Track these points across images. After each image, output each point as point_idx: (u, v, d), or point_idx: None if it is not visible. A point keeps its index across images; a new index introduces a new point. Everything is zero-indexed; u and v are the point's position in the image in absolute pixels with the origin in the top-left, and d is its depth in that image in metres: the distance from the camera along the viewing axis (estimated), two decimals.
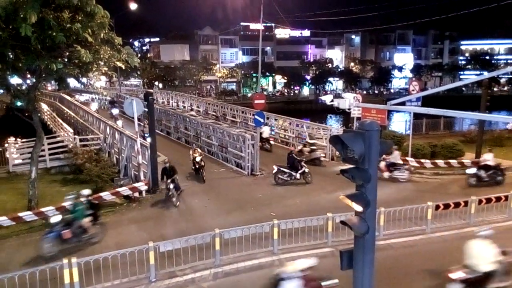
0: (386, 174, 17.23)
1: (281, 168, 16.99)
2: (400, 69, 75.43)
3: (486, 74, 33.56)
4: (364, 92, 71.05)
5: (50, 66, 11.42)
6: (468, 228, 12.29)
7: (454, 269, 8.24)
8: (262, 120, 19.11)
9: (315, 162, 19.77)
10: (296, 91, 72.37)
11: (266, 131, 23.32)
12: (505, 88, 75.71)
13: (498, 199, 12.84)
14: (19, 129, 22.87)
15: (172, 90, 50.92)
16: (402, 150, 20.60)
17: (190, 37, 72.75)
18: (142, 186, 15.13)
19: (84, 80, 14.25)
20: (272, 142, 23.44)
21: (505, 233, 12.21)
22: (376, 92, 74.65)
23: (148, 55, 74.99)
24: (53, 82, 15.72)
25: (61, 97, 38.44)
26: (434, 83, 78.28)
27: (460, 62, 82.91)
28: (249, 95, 63.18)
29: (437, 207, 12.07)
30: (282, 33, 69.15)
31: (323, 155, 20.68)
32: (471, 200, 12.37)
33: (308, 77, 72.04)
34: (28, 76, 13.82)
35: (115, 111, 30.55)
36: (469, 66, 78.00)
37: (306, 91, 73.37)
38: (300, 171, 16.93)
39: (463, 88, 69.14)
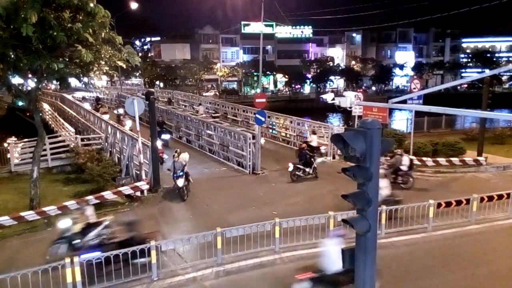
0: (262, 140, 20.92)
1: (297, 165, 17.21)
2: (402, 67, 75.25)
3: (487, 72, 33.50)
4: (368, 90, 71.15)
5: (51, 66, 11.43)
6: (470, 226, 12.32)
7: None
8: (263, 119, 19.09)
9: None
10: (297, 90, 72.29)
11: (315, 140, 20.53)
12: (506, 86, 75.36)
13: (500, 197, 12.83)
14: (20, 128, 22.94)
15: (173, 89, 50.94)
16: (403, 148, 20.60)
17: (191, 36, 72.64)
18: (143, 185, 15.14)
19: (85, 79, 14.25)
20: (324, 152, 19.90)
21: (507, 230, 12.24)
22: (378, 89, 74.62)
23: (149, 55, 75.02)
24: (54, 81, 15.72)
25: (62, 96, 38.40)
26: (435, 81, 78.10)
27: (461, 60, 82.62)
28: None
29: (439, 205, 12.07)
30: (283, 31, 69.06)
31: None
32: (473, 198, 12.36)
33: (309, 76, 71.97)
34: (30, 76, 13.83)
35: (166, 136, 23.11)
36: (471, 64, 77.73)
37: (307, 89, 73.33)
38: (312, 166, 17.39)
39: (482, 85, 68.67)
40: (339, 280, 7.66)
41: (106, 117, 24.08)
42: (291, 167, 17.15)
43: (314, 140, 20.51)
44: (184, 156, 15.34)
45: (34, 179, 13.72)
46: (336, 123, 43.73)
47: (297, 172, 17.20)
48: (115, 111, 32.82)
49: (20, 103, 14.86)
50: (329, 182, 16.84)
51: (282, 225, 10.72)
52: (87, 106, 31.04)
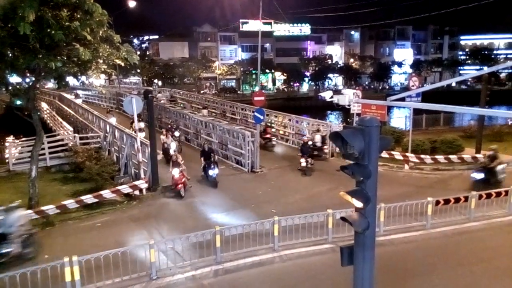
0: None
1: (307, 160, 17.88)
2: (400, 64, 75.25)
3: (486, 69, 33.54)
4: (367, 87, 71.08)
5: (49, 65, 11.41)
6: (468, 224, 12.35)
7: None
8: (261, 117, 19.09)
9: None
10: (296, 88, 72.30)
11: (205, 113, 25.08)
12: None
13: (498, 194, 12.85)
14: (19, 128, 22.86)
15: (172, 88, 50.82)
16: (402, 146, 20.65)
17: (189, 34, 72.56)
18: (142, 184, 15.13)
19: (83, 78, 14.24)
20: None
21: (506, 227, 12.27)
22: (377, 87, 74.68)
23: (147, 53, 74.83)
24: (52, 80, 15.68)
25: (61, 95, 38.29)
26: (434, 78, 78.16)
27: (460, 57, 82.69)
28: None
29: (437, 202, 12.09)
30: (282, 29, 69.05)
31: None
32: (471, 195, 12.39)
33: (307, 74, 71.94)
34: (27, 74, 13.80)
35: (213, 172, 16.51)
36: (469, 61, 77.81)
37: (305, 87, 73.34)
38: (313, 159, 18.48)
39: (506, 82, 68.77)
40: None
41: (141, 135, 18.61)
42: (303, 162, 17.78)
43: (204, 114, 26.87)
44: (16, 216, 10.58)
45: (32, 178, 13.71)
46: (335, 121, 43.78)
47: (309, 165, 17.93)
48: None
49: (18, 102, 14.83)
50: (328, 180, 16.86)
51: (281, 223, 10.73)
52: (112, 120, 22.94)
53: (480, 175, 15.42)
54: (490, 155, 15.85)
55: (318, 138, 20.42)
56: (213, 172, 16.34)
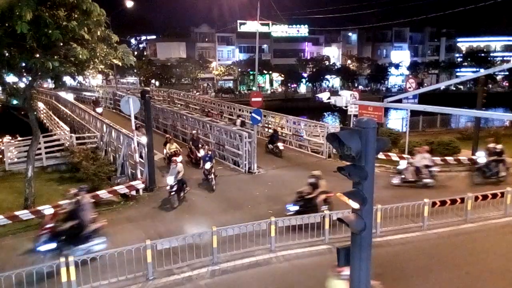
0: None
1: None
2: (397, 66, 75.44)
3: (482, 71, 33.70)
4: (367, 88, 71.10)
5: (46, 64, 11.37)
6: (465, 225, 12.40)
7: None
8: (259, 118, 19.10)
9: None
10: (293, 89, 72.34)
11: (238, 122, 24.89)
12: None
13: (494, 195, 12.90)
14: (15, 127, 22.81)
15: (169, 88, 50.80)
16: (399, 147, 20.70)
17: (187, 34, 72.47)
18: (139, 184, 15.11)
19: (80, 78, 14.19)
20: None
21: (502, 229, 12.33)
22: (374, 88, 74.81)
23: (145, 53, 74.68)
24: (49, 80, 15.63)
25: (57, 95, 38.16)
26: (430, 80, 78.38)
27: (456, 59, 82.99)
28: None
29: (434, 204, 12.13)
30: (279, 30, 69.16)
31: None
32: (467, 196, 12.43)
33: (305, 75, 72.00)
34: (24, 74, 13.75)
35: None
36: (466, 63, 78.07)
37: (303, 88, 73.41)
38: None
39: None
40: None
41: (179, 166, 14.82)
42: (281, 147, 21.25)
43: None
44: None
45: (28, 178, 13.65)
46: (332, 122, 43.85)
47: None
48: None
49: (15, 102, 14.77)
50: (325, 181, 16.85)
51: (277, 224, 10.73)
52: (143, 140, 16.71)
53: (295, 208, 12.12)
54: (311, 182, 12.40)
55: (238, 122, 24.59)
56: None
